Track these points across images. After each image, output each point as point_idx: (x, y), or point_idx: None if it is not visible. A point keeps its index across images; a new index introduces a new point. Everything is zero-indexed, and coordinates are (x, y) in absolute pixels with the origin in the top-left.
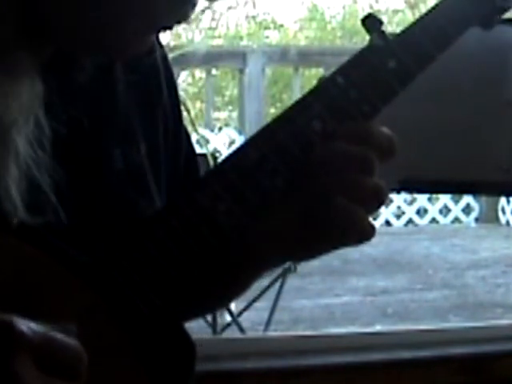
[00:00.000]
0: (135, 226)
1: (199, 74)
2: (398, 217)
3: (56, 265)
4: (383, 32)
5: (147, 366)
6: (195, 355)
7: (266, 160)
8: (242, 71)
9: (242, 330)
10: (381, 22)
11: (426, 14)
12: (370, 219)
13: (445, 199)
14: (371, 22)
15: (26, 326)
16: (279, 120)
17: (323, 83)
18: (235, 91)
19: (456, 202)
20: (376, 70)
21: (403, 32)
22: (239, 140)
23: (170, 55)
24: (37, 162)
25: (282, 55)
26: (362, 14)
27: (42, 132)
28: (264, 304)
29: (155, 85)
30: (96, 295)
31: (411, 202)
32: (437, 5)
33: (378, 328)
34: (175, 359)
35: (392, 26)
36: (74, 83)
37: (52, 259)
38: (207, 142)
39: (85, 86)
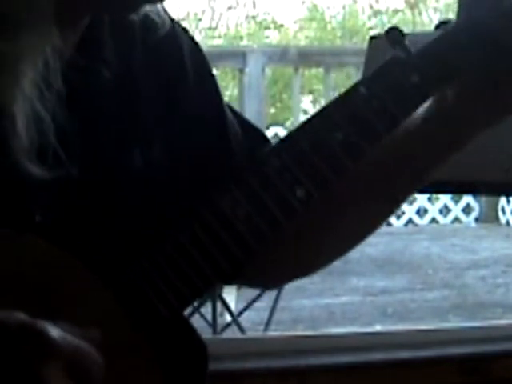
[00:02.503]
0: (158, 228)
1: None
2: (398, 217)
3: (77, 264)
4: (406, 45)
5: (163, 367)
6: (208, 359)
7: (286, 169)
8: (241, 71)
9: (242, 330)
10: (404, 35)
11: (448, 28)
12: None
13: (445, 199)
14: (394, 35)
15: (58, 334)
16: (301, 129)
17: (346, 94)
18: (235, 91)
19: (456, 202)
20: (398, 83)
21: (426, 46)
22: None
23: None
24: (43, 101)
25: (281, 55)
26: (362, 14)
27: (51, 76)
28: (264, 304)
29: (177, 66)
30: (116, 295)
31: (411, 202)
32: (457, 20)
33: (377, 328)
34: (189, 362)
35: None
36: (98, 79)
37: (73, 258)
38: None
39: (107, 82)
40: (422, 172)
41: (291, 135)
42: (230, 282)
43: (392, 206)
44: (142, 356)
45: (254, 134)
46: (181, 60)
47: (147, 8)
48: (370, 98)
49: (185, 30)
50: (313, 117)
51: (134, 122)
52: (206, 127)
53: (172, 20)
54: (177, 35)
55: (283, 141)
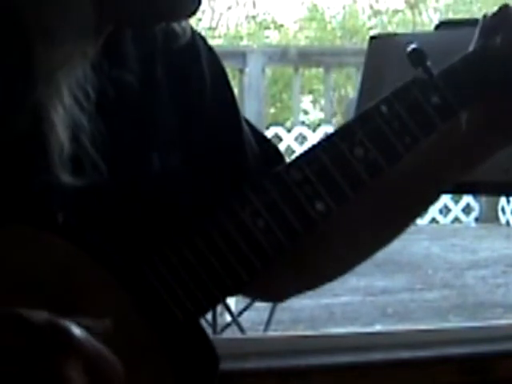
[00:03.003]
0: (176, 232)
1: None
2: None
3: (95, 264)
4: (428, 66)
5: (176, 369)
6: (219, 363)
7: (307, 182)
8: (242, 71)
9: (242, 330)
10: (426, 56)
11: (469, 52)
12: None
13: (445, 199)
14: (417, 56)
15: (82, 333)
16: (323, 144)
17: (368, 111)
18: (235, 91)
19: (456, 202)
20: (419, 104)
21: (447, 68)
22: None
23: None
24: (81, 110)
25: (282, 55)
26: (362, 14)
27: (87, 85)
28: (264, 304)
29: (197, 76)
30: (132, 296)
31: None
32: (481, 45)
33: (377, 328)
34: (200, 368)
35: (392, 26)
36: (121, 86)
37: (91, 258)
38: None
39: (133, 89)
40: (433, 191)
41: (313, 149)
42: (243, 293)
43: (405, 222)
44: (155, 358)
45: (268, 148)
46: (200, 70)
47: None
48: (391, 118)
49: (203, 40)
50: (335, 132)
51: (153, 128)
52: (223, 136)
53: (192, 29)
54: (196, 44)
55: (305, 154)
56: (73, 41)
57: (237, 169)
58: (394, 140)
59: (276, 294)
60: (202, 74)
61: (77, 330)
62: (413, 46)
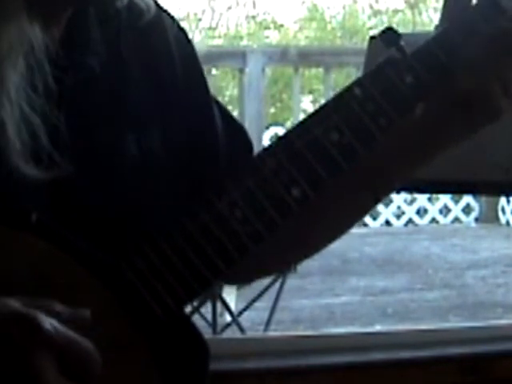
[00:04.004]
0: (154, 227)
1: None
2: (398, 217)
3: (73, 263)
4: (402, 46)
5: (160, 366)
6: (209, 356)
7: (282, 168)
8: (242, 71)
9: (242, 329)
10: (399, 36)
11: (441, 29)
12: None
13: (445, 199)
14: (390, 36)
15: (50, 323)
16: (297, 129)
17: (341, 95)
18: (235, 91)
19: (456, 201)
20: (393, 84)
21: (420, 47)
22: None
23: None
24: (30, 103)
25: (282, 55)
26: (362, 14)
27: (35, 76)
28: (264, 304)
29: (163, 51)
30: (111, 294)
31: (411, 202)
32: (450, 22)
33: (377, 328)
34: (189, 360)
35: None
36: (84, 70)
37: (69, 257)
38: None
39: (97, 74)
40: (399, 172)
41: (287, 135)
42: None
43: (370, 204)
44: (139, 356)
45: (236, 133)
46: (167, 46)
47: None
48: (365, 100)
49: (172, 18)
50: (308, 117)
51: (124, 108)
52: (192, 115)
53: (157, 5)
54: (162, 21)
55: (279, 141)
56: (8, 34)
57: (207, 150)
58: (369, 122)
59: (245, 276)
60: (170, 50)
61: (44, 319)
62: (386, 26)
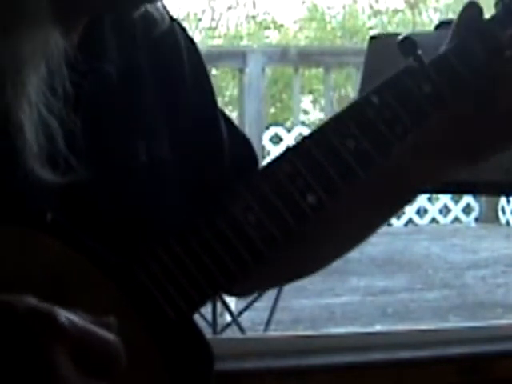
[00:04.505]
0: (169, 231)
1: None
2: (398, 216)
3: (87, 263)
4: (419, 56)
5: (170, 369)
6: (213, 359)
7: (298, 175)
8: (242, 71)
9: (242, 329)
10: (416, 45)
11: (459, 40)
12: None
13: (445, 199)
14: (407, 45)
15: (65, 317)
16: (313, 136)
17: (358, 102)
18: (235, 91)
19: (456, 201)
20: (411, 92)
21: (438, 56)
22: None
23: None
24: (49, 107)
25: (282, 55)
26: (362, 14)
27: (55, 81)
28: (264, 304)
29: (176, 63)
30: (125, 296)
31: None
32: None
33: (377, 328)
34: (196, 364)
35: (392, 26)
36: (101, 77)
37: (83, 257)
38: None
39: (113, 81)
40: (414, 185)
41: (303, 141)
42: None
43: (384, 218)
44: (150, 358)
45: (243, 142)
46: (179, 57)
47: (147, 3)
48: (382, 108)
49: (182, 28)
50: (325, 124)
51: (137, 116)
52: (201, 126)
53: (171, 17)
54: (175, 32)
55: (295, 147)
56: (32, 37)
57: (215, 159)
58: (386, 130)
59: (245, 288)
60: (182, 60)
61: (60, 313)
62: (403, 35)
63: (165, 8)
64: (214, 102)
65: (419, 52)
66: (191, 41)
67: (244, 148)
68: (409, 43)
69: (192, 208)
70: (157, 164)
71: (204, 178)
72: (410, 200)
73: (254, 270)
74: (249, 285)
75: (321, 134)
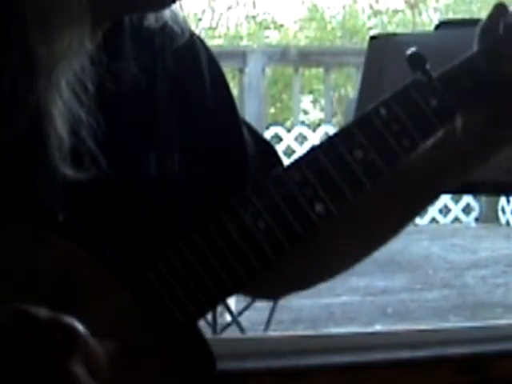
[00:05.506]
0: (177, 233)
1: None
2: None
3: (97, 264)
4: (427, 70)
5: (178, 370)
6: (215, 361)
7: (307, 183)
8: (242, 71)
9: (242, 329)
10: (425, 60)
11: (467, 55)
12: None
13: (445, 199)
14: (416, 60)
15: (84, 329)
16: (323, 146)
17: (367, 114)
18: (235, 91)
19: (456, 201)
20: (418, 106)
21: (446, 71)
22: None
23: None
24: (80, 104)
25: (282, 55)
26: (362, 14)
27: (86, 77)
28: (264, 304)
29: (196, 77)
30: (133, 298)
31: None
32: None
33: (377, 328)
34: (199, 367)
35: (392, 26)
36: (120, 81)
37: (93, 258)
38: None
39: (128, 89)
40: (432, 193)
41: (313, 151)
42: (243, 292)
43: (403, 222)
44: (157, 359)
45: (267, 150)
46: (199, 71)
47: (167, 16)
48: (390, 121)
49: (202, 42)
50: (334, 134)
51: (151, 127)
52: (223, 139)
53: (191, 31)
54: (195, 46)
55: (305, 156)
56: (71, 34)
57: (237, 171)
58: (393, 143)
59: (273, 292)
60: (202, 75)
61: (81, 327)
62: (412, 49)
63: (185, 21)
64: (236, 112)
65: (427, 67)
66: (210, 53)
67: (268, 155)
68: (417, 58)
69: (201, 214)
70: (166, 176)
71: (222, 186)
72: (436, 196)
73: (279, 272)
74: (276, 287)
75: (330, 144)
